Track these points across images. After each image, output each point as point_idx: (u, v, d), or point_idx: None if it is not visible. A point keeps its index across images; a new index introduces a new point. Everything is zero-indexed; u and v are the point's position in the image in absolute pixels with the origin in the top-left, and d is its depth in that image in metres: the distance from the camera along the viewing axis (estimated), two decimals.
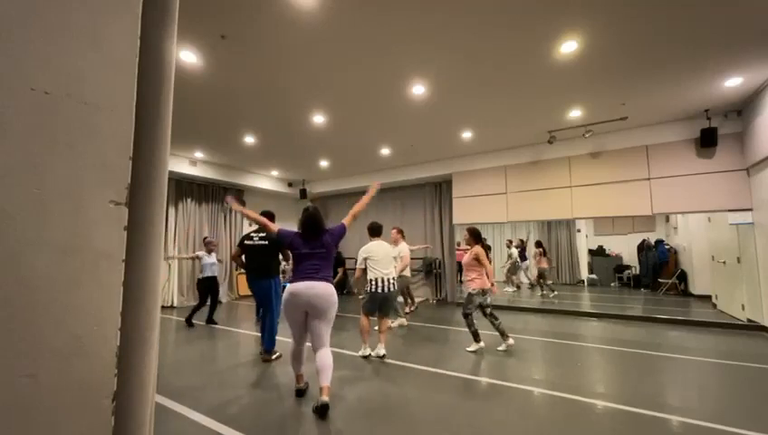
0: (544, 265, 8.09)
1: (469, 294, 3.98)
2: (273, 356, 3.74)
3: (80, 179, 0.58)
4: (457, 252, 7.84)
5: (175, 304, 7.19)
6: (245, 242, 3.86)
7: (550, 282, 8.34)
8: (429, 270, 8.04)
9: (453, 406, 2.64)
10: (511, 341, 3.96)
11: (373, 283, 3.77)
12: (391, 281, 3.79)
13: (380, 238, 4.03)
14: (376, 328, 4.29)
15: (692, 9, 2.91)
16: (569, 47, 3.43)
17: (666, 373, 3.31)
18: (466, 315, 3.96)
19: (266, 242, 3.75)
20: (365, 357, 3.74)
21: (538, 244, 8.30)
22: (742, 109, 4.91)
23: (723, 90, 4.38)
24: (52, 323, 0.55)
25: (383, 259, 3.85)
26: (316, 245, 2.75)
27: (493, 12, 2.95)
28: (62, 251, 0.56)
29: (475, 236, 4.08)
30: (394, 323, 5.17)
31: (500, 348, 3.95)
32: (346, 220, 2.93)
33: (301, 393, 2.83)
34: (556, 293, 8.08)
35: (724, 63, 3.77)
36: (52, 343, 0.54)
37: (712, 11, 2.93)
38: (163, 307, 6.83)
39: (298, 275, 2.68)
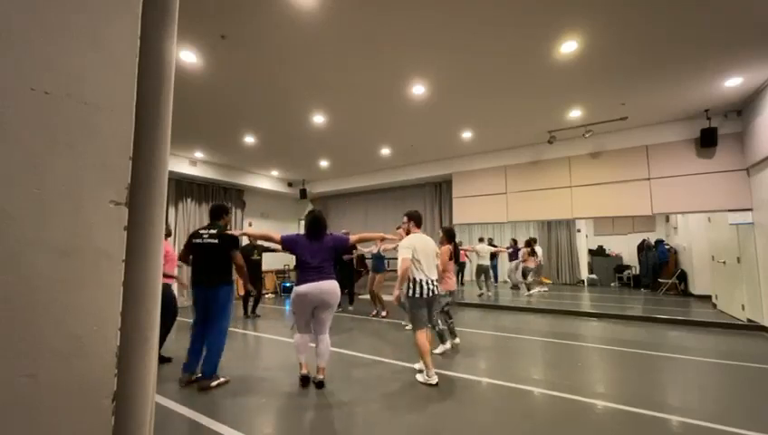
0: (531, 264, 8.18)
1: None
2: (215, 383, 3.02)
3: (80, 179, 0.58)
4: (460, 251, 7.86)
5: None
6: (193, 240, 3.20)
7: (532, 281, 8.43)
8: None
9: (452, 406, 2.64)
10: (457, 340, 3.96)
11: (417, 285, 3.08)
12: (435, 283, 3.17)
13: (420, 231, 3.33)
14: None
15: (692, 9, 2.91)
16: (569, 47, 3.43)
17: (666, 373, 3.31)
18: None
19: (216, 241, 3.14)
20: (433, 385, 2.97)
21: (527, 243, 8.37)
22: (742, 109, 4.91)
23: (723, 90, 4.38)
24: (52, 323, 0.55)
25: (426, 258, 3.15)
26: (320, 245, 3.06)
27: (493, 12, 2.95)
28: (62, 251, 0.56)
29: (447, 236, 4.08)
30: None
31: (437, 351, 3.75)
32: (353, 238, 3.23)
33: (306, 380, 3.01)
34: (531, 293, 8.13)
35: (724, 63, 3.77)
36: (52, 343, 0.54)
37: (712, 11, 2.93)
38: None
39: (305, 277, 2.96)
